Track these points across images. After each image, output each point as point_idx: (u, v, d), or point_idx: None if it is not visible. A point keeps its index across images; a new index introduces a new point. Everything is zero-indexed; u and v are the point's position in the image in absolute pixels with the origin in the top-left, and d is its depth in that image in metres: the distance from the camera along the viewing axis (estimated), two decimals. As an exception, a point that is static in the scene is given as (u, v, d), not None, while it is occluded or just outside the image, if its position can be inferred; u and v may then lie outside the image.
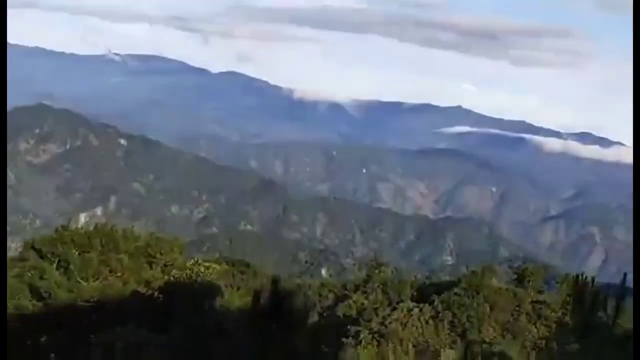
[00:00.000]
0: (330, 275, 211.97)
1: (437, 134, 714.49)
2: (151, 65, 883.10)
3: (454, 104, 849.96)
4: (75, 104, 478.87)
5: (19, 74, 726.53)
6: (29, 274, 21.12)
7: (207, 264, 23.45)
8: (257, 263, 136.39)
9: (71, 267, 21.33)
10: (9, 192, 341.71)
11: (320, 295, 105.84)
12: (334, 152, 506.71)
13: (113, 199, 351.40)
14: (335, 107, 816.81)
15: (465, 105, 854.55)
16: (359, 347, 75.62)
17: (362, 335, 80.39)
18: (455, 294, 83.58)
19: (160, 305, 19.84)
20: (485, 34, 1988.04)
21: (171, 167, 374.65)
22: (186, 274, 21.69)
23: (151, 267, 23.01)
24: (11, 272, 21.24)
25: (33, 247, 22.49)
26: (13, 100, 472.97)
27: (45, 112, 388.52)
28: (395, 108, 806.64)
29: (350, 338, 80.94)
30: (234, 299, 22.99)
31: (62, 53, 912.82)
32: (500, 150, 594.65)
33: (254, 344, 13.73)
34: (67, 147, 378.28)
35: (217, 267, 24.23)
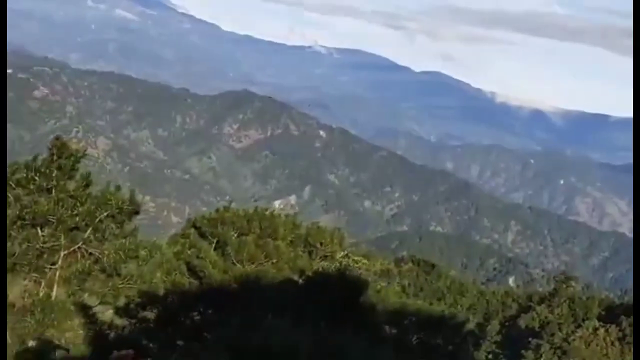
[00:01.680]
0: (518, 286, 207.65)
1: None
2: (355, 59, 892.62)
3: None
4: (279, 92, 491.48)
5: (228, 60, 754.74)
6: (188, 252, 21.46)
7: (357, 257, 23.00)
8: (443, 265, 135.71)
9: (228, 248, 21.51)
10: (210, 174, 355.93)
11: (504, 304, 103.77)
12: (532, 160, 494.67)
13: (307, 188, 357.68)
14: (537, 115, 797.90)
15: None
16: (539, 360, 73.27)
17: (542, 350, 78.06)
18: (646, 316, 79.43)
19: (303, 296, 19.58)
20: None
21: (367, 161, 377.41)
22: (335, 266, 21.39)
23: (311, 257, 22.95)
24: (172, 249, 21.72)
25: (194, 226, 22.87)
26: (221, 85, 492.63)
27: (250, 98, 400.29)
28: (601, 120, 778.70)
29: (530, 351, 78.75)
30: (389, 295, 22.47)
31: (271, 42, 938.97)
32: None
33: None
34: (268, 134, 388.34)
35: (367, 261, 23.62)
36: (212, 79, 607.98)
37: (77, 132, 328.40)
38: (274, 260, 21.18)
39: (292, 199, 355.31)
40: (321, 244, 23.63)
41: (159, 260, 20.57)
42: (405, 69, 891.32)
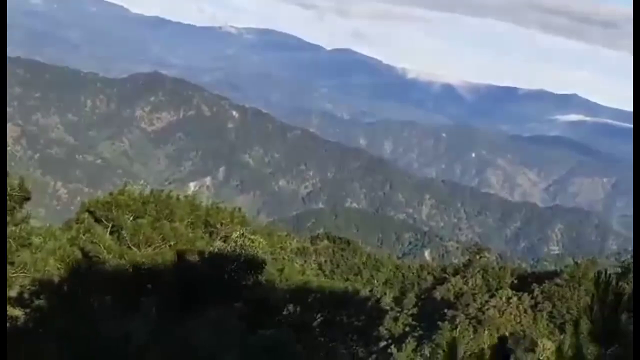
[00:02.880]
0: (433, 259, 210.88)
1: (550, 121, 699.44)
2: (267, 39, 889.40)
3: (569, 92, 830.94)
4: (191, 74, 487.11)
5: (137, 42, 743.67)
6: (83, 237, 20.87)
7: (253, 237, 22.68)
8: (359, 241, 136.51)
9: (124, 232, 20.99)
10: (123, 158, 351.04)
11: (419, 277, 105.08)
12: (444, 134, 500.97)
13: (222, 169, 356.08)
14: (447, 89, 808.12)
15: (580, 94, 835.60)
16: (455, 331, 74.64)
17: (458, 320, 79.34)
18: (557, 284, 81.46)
19: (200, 276, 19.24)
20: (604, 22, 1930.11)
21: (281, 141, 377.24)
22: (230, 246, 21.07)
23: (211, 237, 22.58)
24: (67, 235, 21.09)
25: (88, 210, 22.26)
26: (131, 67, 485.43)
27: (161, 80, 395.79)
28: (509, 93, 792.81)
29: (447, 322, 79.90)
30: (292, 274, 22.27)
31: (180, 23, 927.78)
32: (614, 140, 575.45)
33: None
34: (181, 116, 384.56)
35: (262, 240, 23.30)
36: (122, 62, 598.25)
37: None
38: (172, 243, 20.73)
39: (207, 180, 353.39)
40: (221, 224, 23.24)
41: (53, 247, 19.99)
42: (317, 47, 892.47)
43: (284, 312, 20.61)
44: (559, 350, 7.05)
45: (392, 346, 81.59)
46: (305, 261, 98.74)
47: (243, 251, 20.66)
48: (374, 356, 23.16)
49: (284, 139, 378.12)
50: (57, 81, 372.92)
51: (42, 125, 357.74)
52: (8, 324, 19.44)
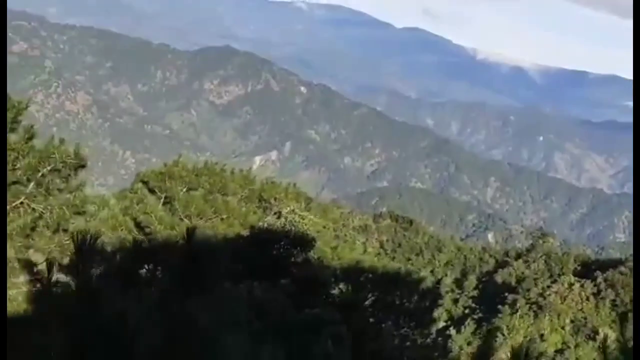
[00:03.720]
0: (497, 242, 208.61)
1: (621, 107, 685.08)
2: (337, 16, 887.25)
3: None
4: (261, 48, 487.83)
5: (207, 15, 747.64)
6: (136, 207, 20.84)
7: (303, 213, 22.39)
8: (422, 221, 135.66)
9: (176, 204, 20.90)
10: (191, 130, 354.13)
11: (481, 260, 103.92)
12: (512, 117, 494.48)
13: (288, 144, 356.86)
14: (517, 71, 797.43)
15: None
16: (515, 315, 73.65)
17: (518, 304, 78.30)
18: (621, 273, 79.79)
19: (248, 252, 19.03)
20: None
21: (347, 118, 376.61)
22: (280, 222, 20.83)
23: (264, 212, 22.39)
24: (120, 204, 21.09)
25: (142, 181, 22.23)
26: (202, 40, 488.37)
27: (231, 54, 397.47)
28: (580, 77, 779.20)
29: (507, 306, 78.95)
30: (344, 252, 21.95)
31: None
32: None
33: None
34: (249, 90, 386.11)
35: (313, 217, 22.99)
36: (193, 34, 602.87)
37: (57, 87, 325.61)
38: (224, 216, 20.58)
39: (273, 155, 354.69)
40: (275, 199, 23.03)
41: (106, 216, 20.00)
42: (387, 25, 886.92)
43: (333, 291, 20.31)
44: (618, 340, 6.65)
45: (451, 328, 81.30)
46: (367, 239, 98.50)
47: (293, 228, 20.42)
48: (426, 339, 22.79)
49: (351, 116, 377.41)
50: (129, 51, 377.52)
51: (113, 94, 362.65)
52: (58, 291, 19.47)
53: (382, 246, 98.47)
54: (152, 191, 21.93)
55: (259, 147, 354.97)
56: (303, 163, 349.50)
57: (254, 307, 12.96)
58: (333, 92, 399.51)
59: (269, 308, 13.11)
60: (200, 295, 5.47)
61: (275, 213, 22.77)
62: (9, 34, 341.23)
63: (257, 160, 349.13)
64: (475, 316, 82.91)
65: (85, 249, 4.72)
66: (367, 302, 21.19)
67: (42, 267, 16.99)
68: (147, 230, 20.22)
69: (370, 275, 20.82)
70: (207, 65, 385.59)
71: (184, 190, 21.37)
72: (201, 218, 20.60)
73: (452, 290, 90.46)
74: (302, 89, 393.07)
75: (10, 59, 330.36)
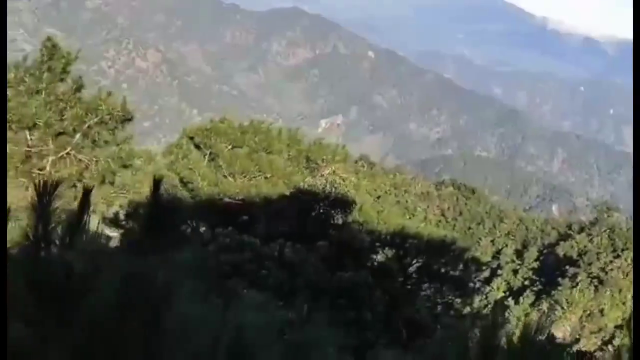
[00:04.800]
0: (561, 214, 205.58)
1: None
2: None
3: None
4: (329, 12, 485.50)
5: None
6: (180, 162, 20.77)
7: (344, 175, 22.01)
8: (484, 190, 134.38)
9: (220, 161, 20.75)
10: (258, 91, 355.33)
11: (542, 231, 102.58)
12: (582, 88, 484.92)
13: (354, 109, 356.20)
14: (589, 42, 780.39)
15: None
16: (575, 289, 72.64)
17: (579, 278, 77.22)
18: (688, 248, 77.82)
19: (287, 211, 18.83)
20: None
21: (415, 84, 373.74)
22: (321, 184, 20.51)
23: (311, 173, 22.12)
24: (166, 160, 21.06)
25: (189, 136, 22.11)
26: (270, 2, 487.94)
27: (299, 16, 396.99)
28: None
29: (567, 279, 77.92)
30: (390, 217, 21.57)
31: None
32: None
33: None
34: (317, 52, 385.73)
35: (354, 179, 22.62)
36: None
37: (128, 44, 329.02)
38: (268, 175, 20.38)
39: (339, 118, 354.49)
40: (323, 160, 22.73)
41: (151, 170, 19.95)
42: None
43: (376, 256, 20.05)
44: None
45: (510, 298, 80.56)
46: (428, 206, 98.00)
47: (333, 189, 20.13)
48: (468, 307, 22.43)
49: (418, 83, 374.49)
50: (199, 10, 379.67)
51: (182, 53, 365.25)
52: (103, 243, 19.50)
53: (443, 214, 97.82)
54: (197, 147, 21.85)
55: (324, 111, 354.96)
56: (368, 128, 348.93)
57: (284, 267, 12.76)
58: (400, 57, 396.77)
59: (299, 269, 12.90)
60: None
61: (322, 174, 22.48)
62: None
63: (323, 123, 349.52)
64: (535, 288, 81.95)
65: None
66: (410, 269, 20.90)
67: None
68: (190, 186, 20.17)
69: (415, 242, 20.45)
70: (275, 26, 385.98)
71: (229, 147, 21.21)
72: (245, 176, 20.45)
73: (512, 261, 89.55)
74: (370, 53, 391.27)
75: (84, 15, 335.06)
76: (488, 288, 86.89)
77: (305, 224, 18.52)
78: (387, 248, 20.54)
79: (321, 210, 19.48)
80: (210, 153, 21.40)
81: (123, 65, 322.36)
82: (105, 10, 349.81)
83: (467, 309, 22.10)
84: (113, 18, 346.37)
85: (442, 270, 21.30)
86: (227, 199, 19.47)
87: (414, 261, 20.96)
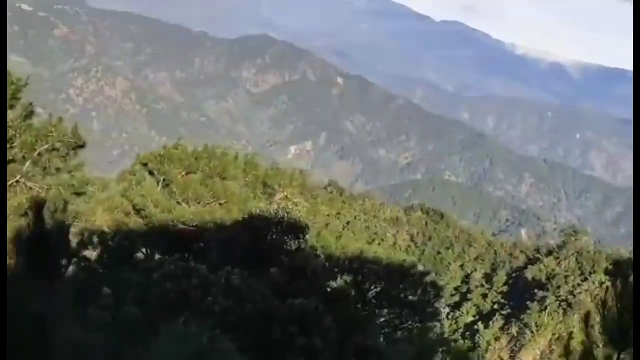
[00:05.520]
0: (530, 238, 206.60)
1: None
2: (377, 7, 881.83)
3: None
4: (299, 38, 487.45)
5: (248, 3, 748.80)
6: (134, 189, 20.46)
7: (296, 200, 21.83)
8: (453, 215, 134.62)
9: (173, 187, 20.48)
10: (227, 118, 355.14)
11: (511, 255, 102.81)
12: (549, 113, 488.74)
13: (323, 135, 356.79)
14: (556, 67, 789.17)
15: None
16: (544, 312, 72.78)
17: (548, 301, 77.32)
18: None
19: (239, 238, 18.56)
20: None
21: (383, 110, 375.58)
22: (273, 209, 20.28)
23: (268, 199, 21.89)
24: (120, 186, 20.76)
25: (142, 163, 21.82)
26: (240, 28, 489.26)
27: (268, 43, 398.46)
28: (619, 74, 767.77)
29: (536, 302, 78.05)
30: (348, 242, 21.36)
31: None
32: None
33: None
34: (286, 79, 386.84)
35: (306, 204, 22.45)
36: (232, 21, 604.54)
37: (96, 71, 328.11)
38: (222, 201, 20.11)
39: (308, 144, 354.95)
40: (279, 185, 22.51)
41: (104, 198, 19.67)
42: (426, 18, 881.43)
43: (336, 282, 19.84)
44: (566, 346, 6.12)
45: (479, 322, 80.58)
46: (397, 231, 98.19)
47: (286, 214, 19.90)
48: (428, 332, 22.23)
49: (387, 108, 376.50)
50: (168, 38, 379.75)
51: (151, 80, 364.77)
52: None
53: (412, 239, 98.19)
54: (151, 173, 21.55)
55: (294, 137, 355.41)
56: (338, 154, 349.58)
57: (231, 294, 12.49)
58: (370, 83, 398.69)
59: (247, 296, 12.63)
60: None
61: (281, 199, 22.26)
62: (51, 18, 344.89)
63: (292, 149, 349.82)
64: (504, 312, 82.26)
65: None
66: (369, 294, 20.69)
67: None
68: (143, 213, 19.85)
69: (374, 267, 20.25)
70: (244, 53, 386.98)
71: (183, 173, 20.94)
72: (199, 202, 20.17)
73: (482, 285, 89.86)
74: (339, 79, 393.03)
75: (52, 43, 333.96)
76: (457, 312, 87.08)
77: (258, 250, 18.26)
78: (345, 273, 20.34)
79: (274, 236, 19.24)
80: (164, 179, 21.08)
81: (91, 93, 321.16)
82: (72, 38, 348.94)
83: (429, 334, 21.98)
84: (81, 46, 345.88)
85: (402, 295, 21.12)
86: (180, 226, 19.16)
87: (372, 286, 20.77)
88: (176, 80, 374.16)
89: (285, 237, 19.05)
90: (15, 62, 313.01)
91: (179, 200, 20.18)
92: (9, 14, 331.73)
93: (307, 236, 19.74)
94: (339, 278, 20.33)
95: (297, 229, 19.16)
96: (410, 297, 21.23)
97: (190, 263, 13.58)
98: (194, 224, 19.19)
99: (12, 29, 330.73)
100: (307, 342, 13.01)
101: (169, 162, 20.98)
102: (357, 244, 21.21)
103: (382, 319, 21.23)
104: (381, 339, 20.56)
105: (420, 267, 21.64)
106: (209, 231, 18.63)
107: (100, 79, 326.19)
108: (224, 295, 12.41)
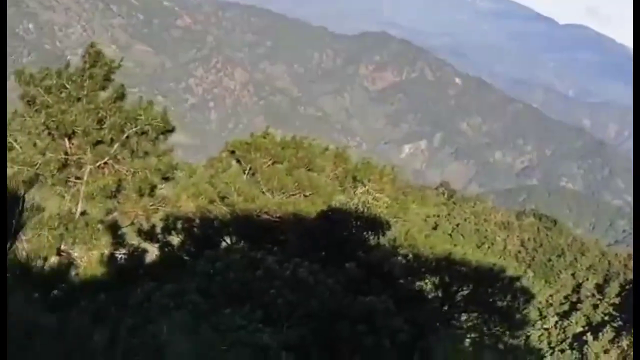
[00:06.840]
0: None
1: None
2: (499, 8, 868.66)
3: None
4: (418, 37, 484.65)
5: (367, 1, 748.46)
6: (220, 176, 20.29)
7: (379, 195, 21.22)
8: (568, 222, 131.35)
9: (258, 176, 20.22)
10: (343, 114, 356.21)
11: (626, 267, 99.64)
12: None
13: (438, 135, 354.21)
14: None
15: None
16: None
17: (658, 318, 74.43)
18: None
19: (318, 231, 18.12)
20: None
21: (501, 112, 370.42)
22: (354, 203, 19.76)
23: (355, 193, 21.44)
24: (207, 173, 20.67)
25: (230, 150, 21.63)
26: (359, 26, 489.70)
27: (387, 41, 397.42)
28: None
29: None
30: (436, 242, 20.65)
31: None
32: None
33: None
34: (403, 77, 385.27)
35: (387, 199, 21.79)
36: (351, 19, 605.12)
37: (217, 62, 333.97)
38: (307, 193, 19.73)
39: (423, 144, 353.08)
40: (369, 180, 22.00)
41: (191, 184, 19.60)
42: (549, 20, 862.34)
43: (415, 282, 19.26)
44: None
45: (588, 334, 78.25)
46: (508, 236, 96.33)
47: (366, 209, 19.38)
48: (517, 340, 21.40)
49: (505, 111, 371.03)
50: (288, 32, 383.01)
51: (269, 73, 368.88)
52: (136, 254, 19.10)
53: (522, 244, 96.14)
54: (238, 161, 21.38)
55: (409, 136, 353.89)
56: (452, 154, 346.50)
57: (297, 288, 12.11)
58: (488, 85, 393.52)
59: (312, 290, 12.22)
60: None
61: (369, 194, 21.77)
62: (175, 8, 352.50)
63: (406, 148, 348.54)
64: (615, 324, 79.54)
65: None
66: (456, 297, 20.03)
67: (126, 230, 16.49)
68: (227, 201, 19.67)
69: (463, 269, 19.57)
70: (363, 50, 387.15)
71: (269, 162, 20.67)
72: (283, 192, 19.85)
73: (593, 295, 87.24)
74: (457, 80, 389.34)
75: (174, 33, 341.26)
76: (566, 322, 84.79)
77: (335, 244, 17.81)
78: (431, 274, 19.73)
79: (353, 231, 18.76)
80: (250, 168, 20.86)
81: (210, 83, 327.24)
82: (195, 28, 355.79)
83: (513, 342, 21.15)
84: (203, 36, 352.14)
85: (490, 299, 20.37)
86: (264, 216, 18.88)
87: (460, 289, 20.10)
88: (294, 74, 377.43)
89: (365, 233, 18.55)
90: (140, 51, 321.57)
91: (264, 190, 19.90)
92: (134, 2, 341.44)
93: (388, 233, 19.21)
94: (426, 279, 19.75)
95: (378, 224, 18.65)
96: (498, 302, 20.46)
97: (256, 254, 13.23)
98: (277, 215, 18.88)
99: (137, 17, 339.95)
100: (374, 341, 12.52)
101: (256, 151, 20.74)
102: (445, 245, 20.56)
103: (469, 324, 20.55)
104: (467, 344, 19.95)
105: (510, 272, 20.80)
106: (289, 222, 18.30)
107: (220, 70, 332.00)
108: (290, 289, 12.03)
